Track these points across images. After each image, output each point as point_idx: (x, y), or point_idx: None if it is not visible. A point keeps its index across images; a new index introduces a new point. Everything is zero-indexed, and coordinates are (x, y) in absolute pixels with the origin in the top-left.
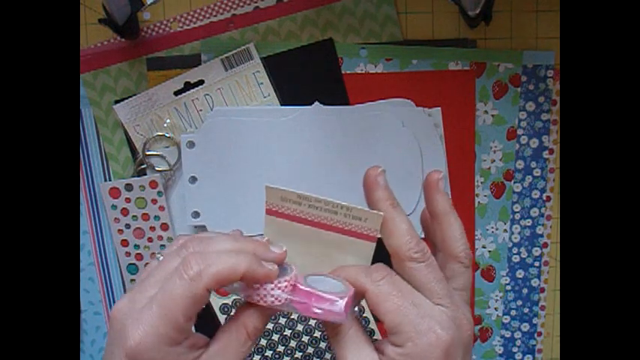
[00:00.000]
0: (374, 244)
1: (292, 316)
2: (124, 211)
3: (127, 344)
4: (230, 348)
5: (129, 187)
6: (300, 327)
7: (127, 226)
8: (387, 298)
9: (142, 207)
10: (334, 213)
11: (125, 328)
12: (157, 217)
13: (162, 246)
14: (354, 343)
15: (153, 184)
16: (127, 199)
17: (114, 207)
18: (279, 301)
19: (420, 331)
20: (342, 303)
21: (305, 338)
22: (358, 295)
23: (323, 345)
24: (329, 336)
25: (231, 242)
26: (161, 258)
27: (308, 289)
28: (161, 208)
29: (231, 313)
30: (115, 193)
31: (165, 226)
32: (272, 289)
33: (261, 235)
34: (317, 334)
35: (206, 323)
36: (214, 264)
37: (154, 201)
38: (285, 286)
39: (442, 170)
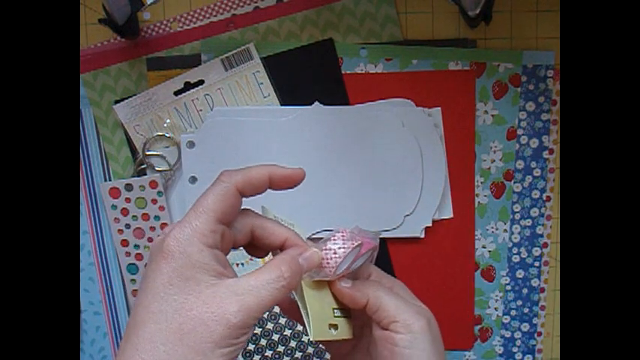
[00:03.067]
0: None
1: None
2: (124, 211)
3: (164, 242)
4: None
5: (129, 187)
6: (300, 327)
7: (127, 226)
8: (383, 296)
9: (142, 207)
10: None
11: (162, 238)
12: (157, 217)
13: None
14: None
15: (153, 184)
16: (127, 199)
17: (114, 207)
18: (349, 247)
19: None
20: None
21: (305, 338)
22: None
23: (309, 334)
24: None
25: None
26: None
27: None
28: (161, 208)
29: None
30: (115, 193)
31: (165, 226)
32: (338, 246)
33: None
34: None
35: None
36: (244, 169)
37: (154, 201)
38: (343, 235)
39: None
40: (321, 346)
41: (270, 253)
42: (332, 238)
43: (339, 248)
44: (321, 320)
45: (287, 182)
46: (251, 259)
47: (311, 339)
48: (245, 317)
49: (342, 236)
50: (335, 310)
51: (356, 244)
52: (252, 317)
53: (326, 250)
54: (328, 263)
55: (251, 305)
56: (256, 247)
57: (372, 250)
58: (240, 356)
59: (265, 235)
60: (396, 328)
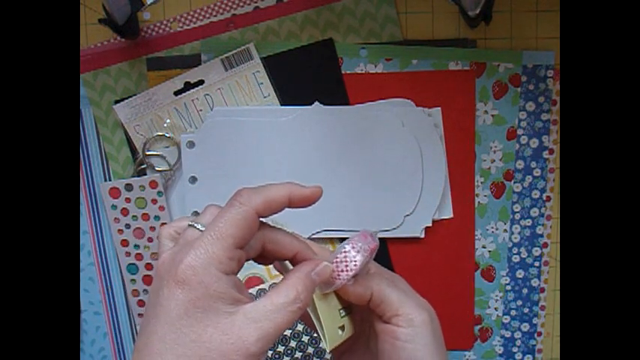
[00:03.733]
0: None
1: None
2: (124, 211)
3: (178, 269)
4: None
5: (129, 187)
6: (300, 327)
7: (127, 226)
8: (385, 288)
9: (142, 207)
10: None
11: (174, 261)
12: (157, 217)
13: None
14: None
15: (153, 184)
16: (127, 199)
17: (114, 207)
18: (364, 251)
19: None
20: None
21: (305, 338)
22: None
23: (323, 345)
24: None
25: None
26: (198, 225)
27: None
28: (161, 208)
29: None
30: (115, 193)
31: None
32: (353, 255)
33: None
34: (317, 333)
35: None
36: (262, 190)
37: (154, 201)
38: (353, 247)
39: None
40: (321, 345)
41: None
42: (343, 251)
43: (351, 262)
44: (333, 328)
45: (306, 202)
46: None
47: (327, 350)
48: (264, 344)
49: (353, 247)
50: (340, 311)
51: (367, 255)
52: (270, 342)
53: (337, 262)
54: (339, 275)
55: (270, 332)
56: (265, 258)
57: (374, 251)
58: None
59: (277, 249)
60: (397, 321)
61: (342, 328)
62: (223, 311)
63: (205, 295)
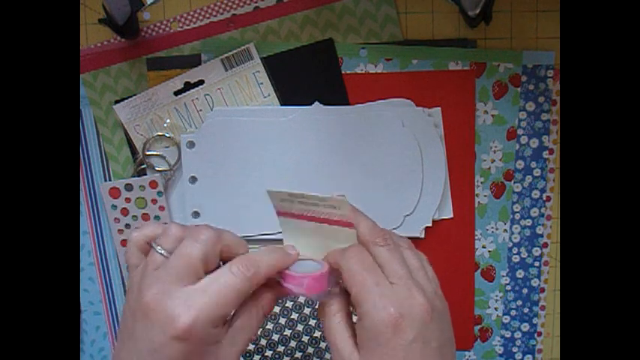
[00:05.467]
0: (354, 231)
1: (292, 316)
2: (124, 211)
3: (178, 326)
4: (251, 322)
5: (129, 187)
6: (300, 327)
7: (127, 226)
8: (354, 275)
9: (142, 207)
10: (316, 205)
11: (173, 314)
12: (157, 217)
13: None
14: (337, 326)
15: (153, 184)
16: (127, 199)
17: (114, 207)
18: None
19: (377, 308)
20: (305, 281)
21: (305, 338)
22: (337, 273)
23: (323, 345)
24: (319, 315)
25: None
26: (161, 250)
27: (288, 272)
28: (161, 208)
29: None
30: (115, 193)
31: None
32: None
33: (266, 234)
34: (317, 334)
35: None
36: (264, 263)
37: (154, 201)
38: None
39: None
40: (321, 345)
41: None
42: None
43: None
44: None
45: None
46: None
47: None
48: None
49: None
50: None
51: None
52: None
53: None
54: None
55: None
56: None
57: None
58: (240, 356)
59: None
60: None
61: None
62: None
63: (200, 348)
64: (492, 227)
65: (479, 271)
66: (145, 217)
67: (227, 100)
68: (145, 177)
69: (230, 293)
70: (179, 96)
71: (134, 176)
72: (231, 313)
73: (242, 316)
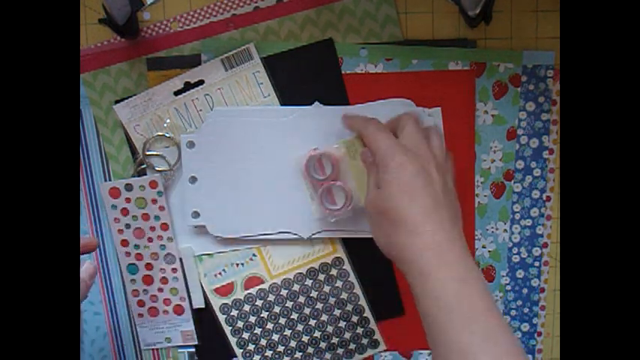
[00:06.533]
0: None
1: (292, 316)
2: (124, 211)
3: None
4: None
5: (129, 187)
6: (300, 327)
7: (127, 226)
8: (377, 138)
9: (142, 207)
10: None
11: None
12: (157, 217)
13: (162, 246)
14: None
15: (153, 184)
16: (127, 199)
17: (114, 207)
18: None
19: (396, 162)
20: None
21: (305, 338)
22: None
23: (323, 345)
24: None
25: None
26: None
27: None
28: (161, 208)
29: (231, 313)
30: (115, 193)
31: (165, 226)
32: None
33: (266, 234)
34: (317, 333)
35: (207, 323)
36: None
37: (154, 201)
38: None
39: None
40: (321, 345)
41: None
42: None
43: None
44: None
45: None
46: (251, 259)
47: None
48: None
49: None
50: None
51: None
52: None
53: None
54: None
55: None
56: None
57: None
58: (240, 356)
59: None
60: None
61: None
62: None
63: None
64: (492, 227)
65: None
66: (145, 217)
67: (227, 100)
68: (145, 177)
69: None
70: (179, 96)
71: (134, 176)
72: None
73: None
